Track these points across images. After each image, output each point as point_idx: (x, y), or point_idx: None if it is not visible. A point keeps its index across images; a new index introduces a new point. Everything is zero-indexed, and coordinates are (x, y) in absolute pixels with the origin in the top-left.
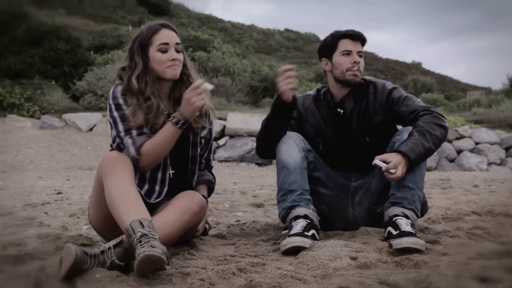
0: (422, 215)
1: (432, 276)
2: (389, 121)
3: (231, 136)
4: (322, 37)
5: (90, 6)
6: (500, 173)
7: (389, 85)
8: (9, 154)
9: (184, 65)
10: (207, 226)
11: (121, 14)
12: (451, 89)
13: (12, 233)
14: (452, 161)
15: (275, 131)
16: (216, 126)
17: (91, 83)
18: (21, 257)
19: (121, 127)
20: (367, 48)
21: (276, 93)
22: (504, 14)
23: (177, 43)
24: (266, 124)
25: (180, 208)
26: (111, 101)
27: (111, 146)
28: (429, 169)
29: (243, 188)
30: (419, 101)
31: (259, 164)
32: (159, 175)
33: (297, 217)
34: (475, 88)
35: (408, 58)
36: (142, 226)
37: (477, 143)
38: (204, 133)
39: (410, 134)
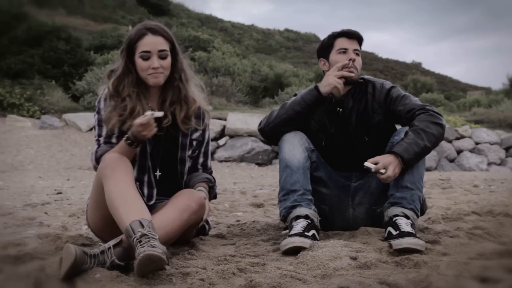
0: (421, 215)
1: (432, 276)
2: (388, 120)
3: (231, 136)
4: (322, 37)
5: (90, 6)
6: (500, 173)
7: (388, 84)
8: (9, 154)
9: (175, 68)
10: (206, 226)
11: (121, 14)
12: (451, 89)
13: (12, 233)
14: (452, 161)
15: (297, 121)
16: (216, 126)
17: (91, 83)
18: (21, 257)
19: (96, 131)
20: (367, 48)
21: (314, 82)
22: (504, 14)
23: (161, 50)
24: (291, 112)
25: (179, 206)
26: (96, 104)
27: None
28: (429, 169)
29: (243, 188)
30: (416, 100)
31: (259, 164)
32: (145, 178)
33: (298, 217)
34: (475, 88)
35: (408, 58)
36: (142, 226)
37: (477, 143)
38: (196, 135)
39: (405, 134)
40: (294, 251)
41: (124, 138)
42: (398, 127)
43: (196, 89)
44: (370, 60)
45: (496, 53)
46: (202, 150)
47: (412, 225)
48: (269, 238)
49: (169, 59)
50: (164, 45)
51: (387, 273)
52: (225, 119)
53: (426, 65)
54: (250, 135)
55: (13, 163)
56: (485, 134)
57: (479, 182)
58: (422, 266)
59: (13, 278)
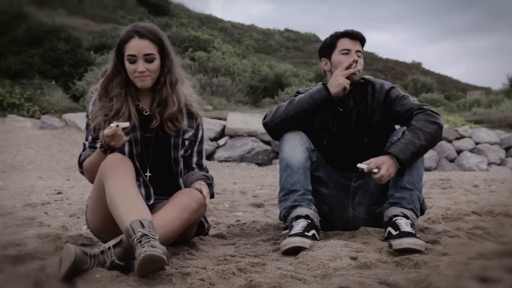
0: (421, 215)
1: (432, 276)
2: (388, 121)
3: (231, 136)
4: (322, 37)
5: (90, 6)
6: (500, 173)
7: (387, 85)
8: (9, 154)
9: (164, 70)
10: (205, 224)
11: (121, 14)
12: (451, 89)
13: (12, 233)
14: (452, 161)
15: (303, 119)
16: (216, 126)
17: (91, 83)
18: (21, 257)
19: (85, 134)
20: (367, 48)
21: (323, 82)
22: (504, 14)
23: (146, 54)
24: (299, 110)
25: (179, 206)
26: (87, 106)
27: None
28: (429, 169)
29: (243, 188)
30: (414, 100)
31: (259, 164)
32: (140, 178)
33: (298, 217)
34: (475, 88)
35: (408, 58)
36: (142, 226)
37: (477, 143)
38: (188, 134)
39: (402, 134)
40: (294, 251)
41: (99, 146)
42: (397, 127)
43: (189, 90)
44: (370, 60)
45: (496, 53)
46: (195, 149)
47: (412, 225)
48: (269, 238)
49: (156, 62)
50: (150, 48)
51: (387, 273)
52: (225, 119)
53: (426, 65)
54: (250, 135)
55: (13, 163)
56: (485, 134)
57: (479, 182)
58: (422, 266)
59: (13, 278)
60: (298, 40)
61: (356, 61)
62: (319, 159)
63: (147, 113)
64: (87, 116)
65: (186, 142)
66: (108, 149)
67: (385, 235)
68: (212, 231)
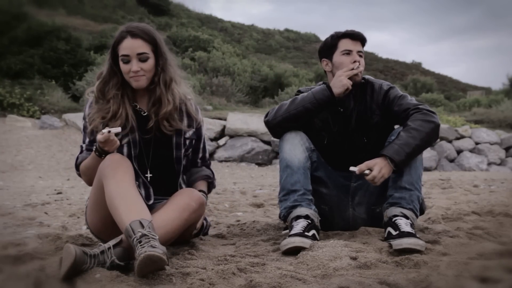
0: (420, 214)
1: (432, 276)
2: (387, 121)
3: (231, 136)
4: (322, 37)
5: (90, 6)
6: (500, 173)
7: (386, 85)
8: (9, 154)
9: (156, 71)
10: (204, 222)
11: (121, 14)
12: (451, 89)
13: (12, 233)
14: (452, 161)
15: (305, 118)
16: (216, 126)
17: (91, 83)
18: (21, 257)
19: (82, 137)
20: (367, 48)
21: (324, 81)
22: (504, 14)
23: (139, 53)
24: (301, 109)
25: (179, 206)
26: (84, 109)
27: None
28: (429, 169)
29: (243, 188)
30: (411, 100)
31: (259, 164)
32: (140, 179)
33: (298, 217)
34: (475, 88)
35: (408, 58)
36: (142, 226)
37: (477, 143)
38: (189, 133)
39: (397, 135)
40: (294, 251)
41: (94, 149)
42: (397, 127)
43: (185, 89)
44: (370, 60)
45: (496, 53)
46: (201, 146)
47: (412, 225)
48: (269, 238)
49: (150, 61)
50: (143, 48)
51: (387, 273)
52: (225, 119)
53: (426, 65)
54: (250, 135)
55: (13, 163)
56: (485, 134)
57: (479, 182)
58: (422, 266)
59: (13, 278)
60: (298, 40)
61: (358, 62)
62: (319, 159)
63: (145, 114)
64: (83, 118)
65: (187, 141)
66: (102, 153)
67: (385, 235)
68: (212, 231)
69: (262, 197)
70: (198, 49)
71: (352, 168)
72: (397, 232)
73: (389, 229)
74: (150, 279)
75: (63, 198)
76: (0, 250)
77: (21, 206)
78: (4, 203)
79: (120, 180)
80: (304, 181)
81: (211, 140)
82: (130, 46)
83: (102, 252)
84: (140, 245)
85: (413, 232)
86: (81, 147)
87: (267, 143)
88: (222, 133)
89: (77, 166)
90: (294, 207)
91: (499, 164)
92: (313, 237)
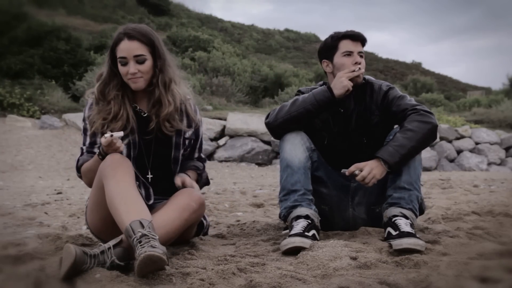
0: (420, 214)
1: (432, 276)
2: (386, 121)
3: (231, 136)
4: (322, 37)
5: (90, 6)
6: (500, 173)
7: (385, 86)
8: (9, 154)
9: (157, 70)
10: (204, 222)
11: (121, 14)
12: (451, 89)
13: (12, 233)
14: (452, 161)
15: (306, 120)
16: (216, 126)
17: (91, 83)
18: (21, 257)
19: (82, 138)
20: (367, 48)
21: (324, 81)
22: (504, 14)
23: (136, 55)
24: (302, 110)
25: (179, 206)
26: (83, 111)
27: None
28: (429, 169)
29: (243, 188)
30: (410, 100)
31: (259, 164)
32: (139, 180)
33: (298, 217)
34: (475, 88)
35: (408, 58)
36: (142, 226)
37: (477, 143)
38: (189, 133)
39: (393, 136)
40: (294, 251)
41: (97, 153)
42: (397, 127)
43: (184, 90)
44: (370, 60)
45: (496, 53)
46: (197, 145)
47: (412, 225)
48: (269, 238)
49: (148, 63)
50: (140, 49)
51: (387, 273)
52: (225, 119)
53: (426, 65)
54: (250, 135)
55: (13, 163)
56: (485, 134)
57: (479, 182)
58: (422, 266)
59: (13, 278)
60: (298, 40)
61: (359, 63)
62: (320, 158)
63: (145, 115)
64: (83, 120)
65: (187, 141)
66: (105, 156)
67: (385, 235)
68: (212, 231)
69: (262, 197)
70: (198, 49)
71: (343, 171)
72: (397, 232)
73: (389, 229)
74: (150, 279)
75: (63, 198)
76: (0, 250)
77: (21, 206)
78: (4, 203)
79: (120, 180)
80: (304, 181)
81: (211, 140)
82: (127, 48)
83: (102, 252)
84: (140, 245)
85: (413, 232)
86: (82, 149)
87: (267, 143)
88: (222, 133)
89: (78, 168)
90: (294, 207)
91: (499, 164)
92: (313, 237)
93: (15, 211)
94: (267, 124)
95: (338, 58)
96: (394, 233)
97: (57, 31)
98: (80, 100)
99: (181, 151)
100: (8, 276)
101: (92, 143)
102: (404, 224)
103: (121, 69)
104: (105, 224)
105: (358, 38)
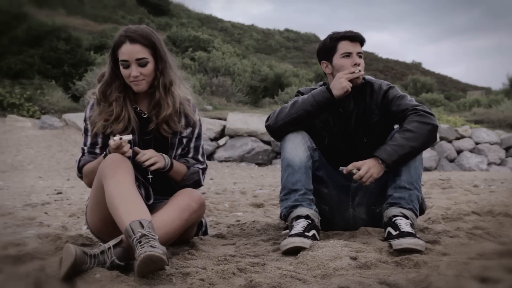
0: (421, 214)
1: (432, 276)
2: (386, 121)
3: (231, 136)
4: (322, 37)
5: (90, 6)
6: (500, 173)
7: (385, 85)
8: (9, 154)
9: (158, 72)
10: (203, 220)
11: (121, 14)
12: (451, 89)
13: (12, 233)
14: (452, 161)
15: (306, 121)
16: (216, 126)
17: (91, 83)
18: (21, 257)
19: (83, 139)
20: (367, 48)
21: (324, 82)
22: (504, 14)
23: (138, 59)
24: (302, 112)
25: (179, 206)
26: (84, 111)
27: None
28: (429, 169)
29: (243, 188)
30: (410, 100)
31: (259, 164)
32: (138, 181)
33: (298, 217)
34: (475, 88)
35: (408, 58)
36: (142, 226)
37: (477, 143)
38: (186, 132)
39: (392, 136)
40: (294, 251)
41: (103, 154)
42: (397, 127)
43: (184, 91)
44: (370, 60)
45: (496, 53)
46: (192, 145)
47: (412, 225)
48: (269, 238)
49: (149, 66)
50: (142, 53)
51: (387, 273)
52: (225, 119)
53: (426, 65)
54: (250, 135)
55: (13, 163)
56: (485, 134)
57: (479, 182)
58: (422, 266)
59: (13, 278)
60: (298, 40)
61: (358, 64)
62: (321, 158)
63: (145, 116)
64: (84, 121)
65: (184, 140)
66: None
67: (385, 235)
68: (212, 231)
69: (262, 197)
70: (198, 49)
71: (341, 168)
72: (397, 232)
73: (389, 229)
74: (150, 279)
75: (63, 198)
76: (0, 250)
77: (21, 206)
78: (4, 203)
79: (120, 180)
80: (305, 181)
81: (211, 140)
82: (129, 51)
83: (102, 252)
84: (140, 245)
85: (413, 232)
86: (82, 149)
87: (267, 143)
88: (222, 133)
89: (79, 169)
90: (294, 206)
91: (499, 164)
92: (313, 237)
93: (15, 211)
94: (268, 127)
95: (337, 59)
96: (394, 233)
97: (57, 31)
98: (80, 100)
99: (179, 151)
100: (8, 276)
101: (93, 144)
102: (404, 224)
103: (123, 71)
104: (105, 224)
105: (357, 39)
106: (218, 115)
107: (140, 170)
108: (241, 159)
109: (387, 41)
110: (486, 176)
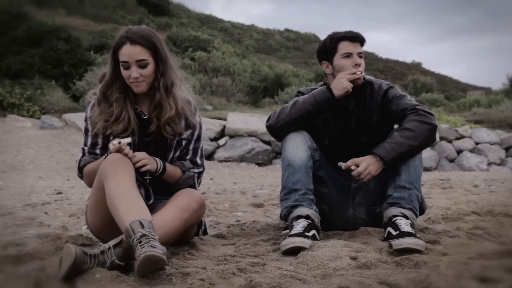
0: (421, 214)
1: (432, 276)
2: (386, 121)
3: (231, 136)
4: (322, 37)
5: (90, 6)
6: (500, 173)
7: (385, 85)
8: (9, 154)
9: (159, 74)
10: (202, 220)
11: (121, 14)
12: (451, 89)
13: (12, 233)
14: (452, 161)
15: (306, 121)
16: (216, 126)
17: (91, 83)
18: (21, 257)
19: (83, 139)
20: (367, 48)
21: (324, 82)
22: (504, 14)
23: (139, 60)
24: (302, 112)
25: (179, 206)
26: (85, 111)
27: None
28: (429, 169)
29: (243, 188)
30: (410, 100)
31: (259, 164)
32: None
33: (298, 217)
34: (475, 88)
35: (408, 58)
36: (142, 226)
37: (477, 143)
38: (186, 134)
39: (391, 135)
40: (294, 251)
41: (105, 156)
42: (397, 127)
43: (185, 91)
44: (370, 60)
45: (496, 53)
46: (191, 147)
47: (412, 225)
48: (269, 238)
49: (150, 67)
50: (142, 54)
51: (387, 273)
52: (225, 119)
53: (426, 65)
54: (250, 135)
55: (13, 163)
56: (485, 134)
57: (479, 182)
58: (422, 266)
59: (13, 278)
60: (298, 40)
61: (359, 65)
62: (322, 158)
63: (145, 117)
64: (85, 121)
65: (183, 142)
66: None
67: (385, 235)
68: (212, 231)
69: (262, 197)
70: (198, 49)
71: (339, 164)
72: (397, 232)
73: (389, 229)
74: (150, 279)
75: (63, 198)
76: (0, 250)
77: (21, 206)
78: (4, 203)
79: (121, 180)
80: (305, 180)
81: (211, 140)
82: (129, 52)
83: (102, 252)
84: (140, 245)
85: (413, 232)
86: (83, 149)
87: (267, 143)
88: (222, 133)
89: (80, 169)
90: (295, 206)
91: (499, 164)
92: (313, 237)
93: (15, 211)
94: (269, 127)
95: (337, 60)
96: (394, 233)
97: (57, 31)
98: (80, 100)
99: (177, 153)
100: (8, 276)
101: (94, 144)
102: (404, 224)
103: (124, 72)
104: (105, 224)
105: (357, 39)
106: (218, 115)
107: (138, 170)
108: (241, 159)
109: (387, 41)
110: (486, 176)
